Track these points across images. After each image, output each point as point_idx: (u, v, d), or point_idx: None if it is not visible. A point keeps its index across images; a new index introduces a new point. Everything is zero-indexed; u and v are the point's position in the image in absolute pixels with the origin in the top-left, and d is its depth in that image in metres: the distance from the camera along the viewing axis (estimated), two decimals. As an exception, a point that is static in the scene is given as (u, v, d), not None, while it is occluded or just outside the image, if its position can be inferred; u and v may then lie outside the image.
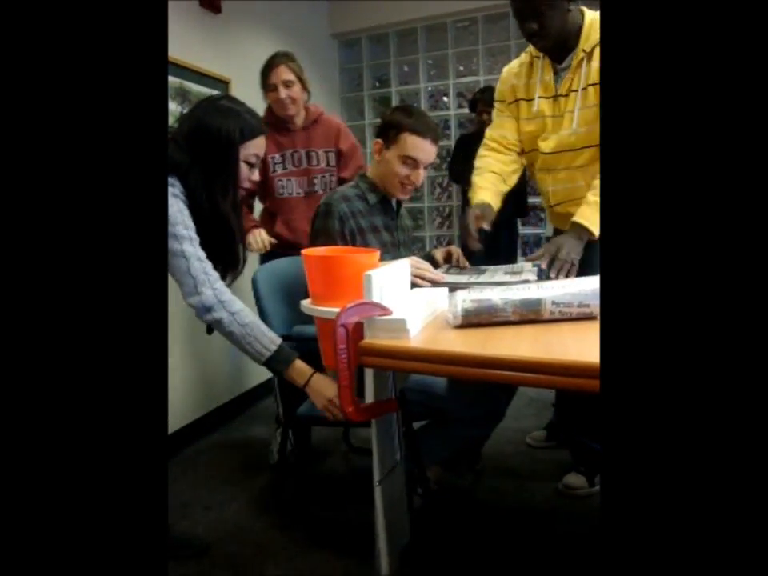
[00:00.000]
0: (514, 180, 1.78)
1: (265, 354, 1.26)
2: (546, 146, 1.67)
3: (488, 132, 1.81)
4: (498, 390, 1.67)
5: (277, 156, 2.15)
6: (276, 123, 2.13)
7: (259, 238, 2.05)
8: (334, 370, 1.08)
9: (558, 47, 1.58)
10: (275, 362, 1.28)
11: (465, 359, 0.93)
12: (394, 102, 3.63)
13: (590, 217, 1.48)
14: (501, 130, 1.76)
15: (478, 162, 1.77)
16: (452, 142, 3.51)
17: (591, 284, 1.07)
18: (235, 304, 1.27)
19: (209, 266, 1.26)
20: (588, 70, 1.55)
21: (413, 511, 1.48)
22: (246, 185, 1.34)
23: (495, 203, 1.69)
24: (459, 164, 3.35)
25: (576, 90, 1.57)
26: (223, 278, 1.36)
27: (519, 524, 1.71)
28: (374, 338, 1.03)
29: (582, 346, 0.96)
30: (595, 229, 1.47)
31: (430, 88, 3.67)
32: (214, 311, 1.24)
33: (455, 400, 1.54)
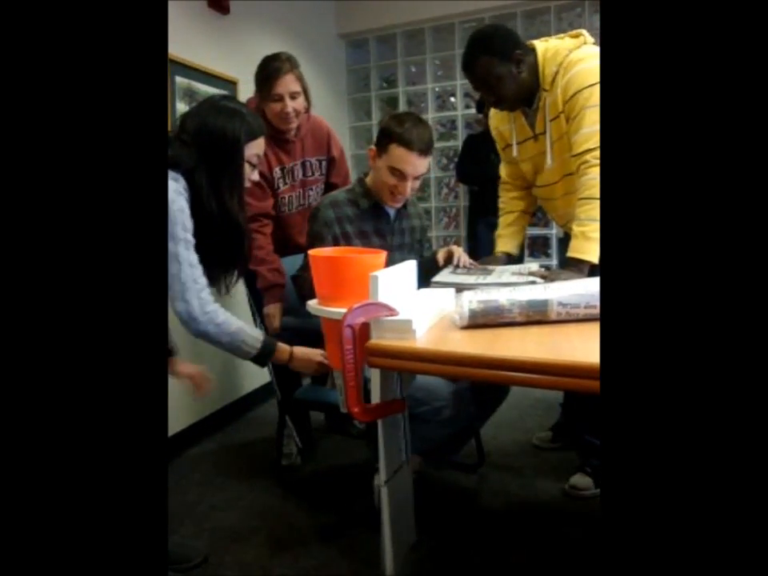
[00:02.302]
0: (532, 209, 1.96)
1: (252, 353, 1.34)
2: (537, 180, 1.80)
3: (501, 170, 1.94)
4: (469, 395, 1.65)
5: (278, 170, 2.01)
6: (274, 135, 1.94)
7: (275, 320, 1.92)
8: (341, 370, 1.08)
9: (523, 100, 1.65)
10: (262, 356, 1.36)
11: (471, 360, 0.93)
12: (402, 103, 3.63)
13: (583, 249, 1.50)
14: (506, 169, 1.91)
15: (500, 201, 1.94)
16: (459, 143, 3.51)
17: (598, 285, 1.07)
18: (219, 314, 1.28)
19: (199, 272, 1.26)
20: (550, 103, 1.61)
21: (418, 511, 1.49)
22: (247, 184, 1.36)
23: (514, 249, 1.89)
24: (466, 164, 3.35)
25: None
26: (229, 276, 1.40)
27: (524, 525, 1.70)
28: (381, 339, 1.03)
29: (588, 347, 0.95)
30: (592, 257, 1.48)
31: (437, 88, 3.66)
32: (200, 324, 1.26)
33: (426, 401, 1.53)
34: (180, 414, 2.28)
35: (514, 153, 1.76)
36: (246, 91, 2.70)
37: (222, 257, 1.35)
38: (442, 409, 1.52)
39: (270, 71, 1.86)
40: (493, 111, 1.83)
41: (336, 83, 3.63)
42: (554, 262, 3.27)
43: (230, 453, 2.30)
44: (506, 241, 1.89)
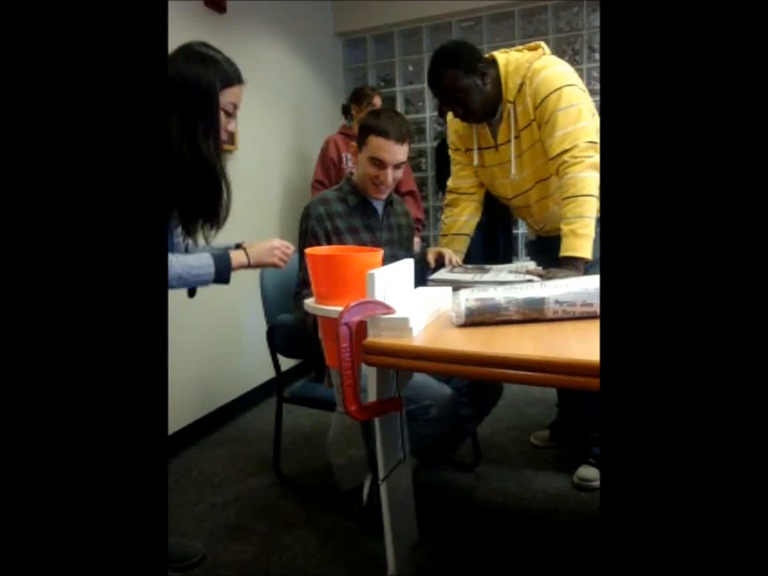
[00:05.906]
0: (474, 223, 1.95)
1: (213, 274, 1.31)
2: (504, 193, 1.82)
3: (448, 183, 1.96)
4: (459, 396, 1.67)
5: (349, 155, 2.93)
6: (352, 135, 2.90)
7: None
8: (338, 368, 1.08)
9: (488, 111, 1.70)
10: (221, 273, 1.33)
11: (468, 358, 0.93)
12: (399, 102, 3.63)
13: (575, 246, 1.50)
14: (457, 180, 1.92)
15: (443, 217, 1.97)
16: (456, 142, 3.50)
17: (594, 283, 1.07)
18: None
19: None
20: (516, 116, 1.66)
21: (418, 510, 1.49)
22: (224, 135, 1.32)
23: (461, 248, 1.92)
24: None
25: (514, 138, 1.69)
26: (208, 227, 1.35)
27: (522, 523, 1.71)
28: (377, 337, 1.03)
29: (585, 344, 0.96)
30: (585, 253, 1.50)
31: (434, 87, 3.65)
32: None
33: (414, 399, 1.54)
34: (179, 413, 2.28)
35: (475, 160, 1.80)
36: (244, 90, 2.69)
37: (199, 206, 1.30)
38: (430, 408, 1.53)
39: (368, 93, 2.97)
40: (451, 115, 1.84)
41: (333, 82, 3.63)
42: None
43: (228, 452, 2.30)
44: (454, 245, 1.90)
